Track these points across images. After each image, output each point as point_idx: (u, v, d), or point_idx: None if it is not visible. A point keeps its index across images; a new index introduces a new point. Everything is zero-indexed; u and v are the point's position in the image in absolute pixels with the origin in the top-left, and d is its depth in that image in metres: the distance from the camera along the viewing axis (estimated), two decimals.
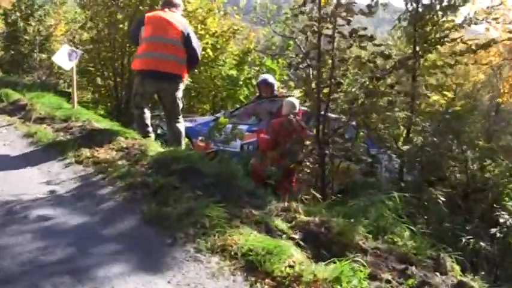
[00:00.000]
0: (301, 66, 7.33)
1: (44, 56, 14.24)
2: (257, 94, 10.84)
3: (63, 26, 15.32)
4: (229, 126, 9.29)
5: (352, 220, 4.68)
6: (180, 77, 7.31)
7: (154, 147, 6.48)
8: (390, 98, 7.10)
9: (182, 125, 7.46)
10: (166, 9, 7.42)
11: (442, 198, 6.15)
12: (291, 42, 14.14)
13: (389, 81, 7.40)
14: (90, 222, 4.62)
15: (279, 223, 4.61)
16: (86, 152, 6.31)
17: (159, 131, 9.10)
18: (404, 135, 8.26)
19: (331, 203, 5.48)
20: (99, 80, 13.35)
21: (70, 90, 13.08)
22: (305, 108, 8.82)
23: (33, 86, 12.04)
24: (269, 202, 5.09)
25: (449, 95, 8.29)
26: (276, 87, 10.34)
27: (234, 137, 8.18)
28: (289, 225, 4.65)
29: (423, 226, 5.48)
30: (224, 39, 13.57)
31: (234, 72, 13.40)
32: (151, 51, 7.22)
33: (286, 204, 4.97)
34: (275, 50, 14.67)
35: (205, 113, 14.61)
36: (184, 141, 7.44)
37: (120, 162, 5.94)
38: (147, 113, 7.45)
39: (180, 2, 7.79)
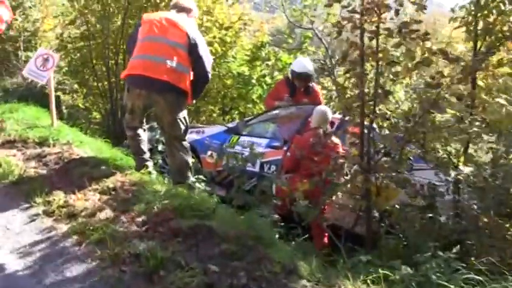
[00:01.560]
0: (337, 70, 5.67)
1: (30, 54, 12.53)
2: (285, 77, 9.04)
3: (51, 20, 13.60)
4: (245, 141, 7.71)
5: None
6: (180, 89, 5.46)
7: (152, 187, 4.88)
8: (459, 114, 5.45)
9: (187, 151, 5.73)
10: (173, 11, 5.75)
11: None
12: (309, 34, 12.46)
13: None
14: None
15: None
16: (59, 196, 4.69)
17: (160, 148, 7.43)
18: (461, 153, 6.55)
19: None
20: (91, 81, 11.70)
21: (58, 93, 11.54)
22: (337, 116, 7.21)
23: (15, 91, 10.41)
24: (317, 284, 3.50)
25: None
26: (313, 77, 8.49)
27: (253, 159, 6.52)
28: None
29: None
30: (234, 32, 11.89)
31: (245, 69, 11.72)
32: (142, 53, 5.48)
33: None
34: (292, 43, 13.02)
35: (214, 115, 13.01)
36: (191, 173, 5.74)
37: (103, 215, 4.33)
38: (143, 135, 5.76)
39: (194, 8, 5.97)
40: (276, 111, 8.35)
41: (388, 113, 5.74)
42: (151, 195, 4.63)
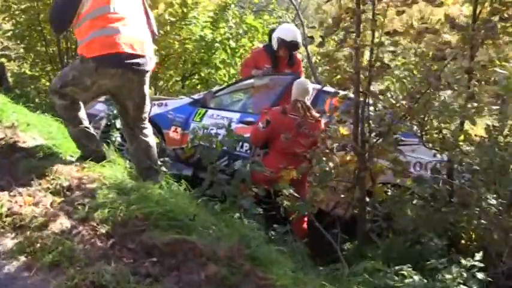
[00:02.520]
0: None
1: None
2: (263, 45, 8.07)
3: None
4: (213, 114, 7.02)
5: None
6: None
7: (115, 184, 4.07)
8: (470, 90, 4.78)
9: (151, 130, 4.99)
10: None
11: None
12: None
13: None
14: None
15: None
16: (2, 200, 3.77)
17: (118, 124, 6.47)
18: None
19: None
20: (39, 46, 10.60)
21: (2, 60, 10.51)
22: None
23: None
24: None
25: None
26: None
27: (230, 142, 5.76)
28: None
29: None
30: None
31: (207, 32, 10.78)
32: (117, 25, 4.50)
33: None
34: (258, 4, 12.11)
35: (172, 80, 12.11)
36: (155, 156, 4.94)
37: (57, 226, 3.48)
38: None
39: None
40: (249, 81, 7.59)
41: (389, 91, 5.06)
42: (115, 196, 3.81)
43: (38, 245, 3.28)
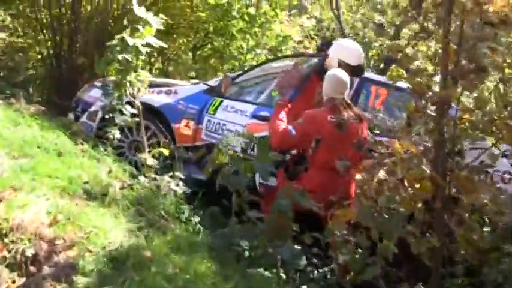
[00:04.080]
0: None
1: None
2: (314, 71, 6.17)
3: None
4: (228, 106, 5.92)
5: None
6: None
7: (104, 245, 2.77)
8: None
9: None
10: None
11: None
12: None
13: None
14: None
15: None
16: None
17: (117, 119, 5.18)
18: None
19: None
20: (28, 12, 9.15)
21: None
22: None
23: None
24: None
25: None
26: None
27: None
28: None
29: None
30: None
31: None
32: None
33: None
34: None
35: (184, 49, 10.79)
36: None
37: None
38: None
39: None
40: (278, 64, 6.35)
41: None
42: (103, 280, 2.52)
43: None
